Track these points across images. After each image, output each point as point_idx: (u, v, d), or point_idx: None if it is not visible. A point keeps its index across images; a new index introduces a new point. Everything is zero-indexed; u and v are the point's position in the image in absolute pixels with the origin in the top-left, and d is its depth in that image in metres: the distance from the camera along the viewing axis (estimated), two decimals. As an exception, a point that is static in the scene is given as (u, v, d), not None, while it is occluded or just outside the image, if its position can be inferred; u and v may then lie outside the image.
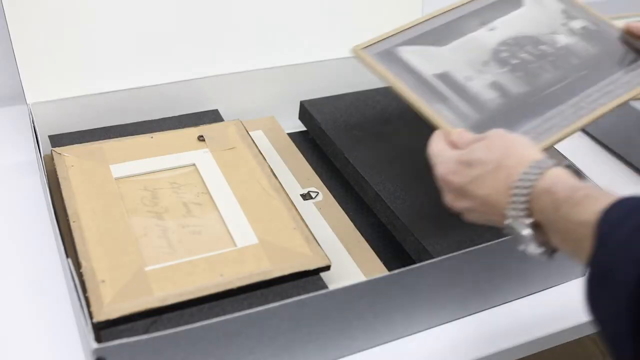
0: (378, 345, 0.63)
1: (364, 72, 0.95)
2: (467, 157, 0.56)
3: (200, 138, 0.76)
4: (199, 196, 0.69)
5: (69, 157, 0.70)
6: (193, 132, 0.77)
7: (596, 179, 0.72)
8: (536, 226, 0.52)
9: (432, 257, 0.64)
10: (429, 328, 0.65)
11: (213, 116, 0.82)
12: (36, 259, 0.68)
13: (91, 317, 0.53)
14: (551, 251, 0.52)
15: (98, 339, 0.53)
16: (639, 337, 0.42)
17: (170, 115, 0.81)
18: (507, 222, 0.53)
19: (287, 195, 0.69)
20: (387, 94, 0.92)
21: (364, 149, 0.79)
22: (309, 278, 0.62)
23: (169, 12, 0.82)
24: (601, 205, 0.46)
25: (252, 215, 0.66)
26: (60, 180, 0.67)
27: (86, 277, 0.57)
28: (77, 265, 0.59)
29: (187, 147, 0.75)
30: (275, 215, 0.67)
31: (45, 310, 0.63)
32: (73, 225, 0.62)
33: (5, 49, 0.78)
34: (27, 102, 0.77)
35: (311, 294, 0.55)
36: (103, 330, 0.54)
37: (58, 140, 0.74)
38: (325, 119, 0.83)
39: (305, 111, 0.86)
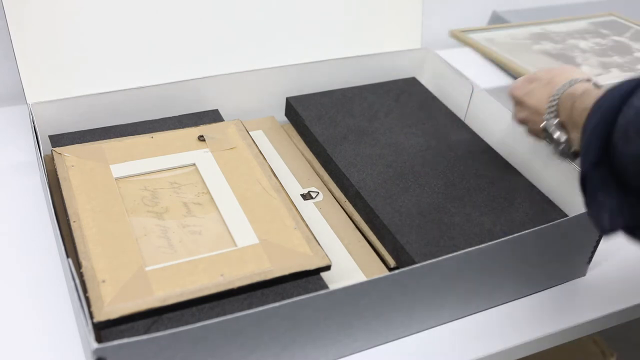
0: (378, 345, 0.63)
1: (363, 71, 0.95)
2: (530, 75, 0.73)
3: (201, 138, 0.76)
4: (199, 196, 0.69)
5: (69, 157, 0.70)
6: (193, 132, 0.77)
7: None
8: (563, 127, 0.66)
9: (410, 256, 0.64)
10: (429, 328, 0.65)
11: (213, 116, 0.82)
12: (36, 259, 0.68)
13: (91, 317, 0.54)
14: (574, 154, 0.67)
15: (98, 339, 0.53)
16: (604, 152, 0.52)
17: (170, 115, 0.81)
18: (542, 125, 0.68)
19: (287, 195, 0.69)
20: (375, 90, 0.91)
21: (348, 145, 0.79)
22: (309, 278, 0.62)
23: (169, 12, 0.82)
24: (602, 92, 0.55)
25: (253, 215, 0.66)
26: (60, 180, 0.67)
27: (86, 277, 0.57)
28: (78, 265, 0.59)
29: (187, 147, 0.75)
30: (276, 215, 0.67)
31: (45, 310, 0.63)
32: (73, 225, 0.62)
33: (5, 49, 0.79)
34: (27, 102, 0.77)
35: (312, 294, 0.55)
36: (103, 330, 0.54)
37: (58, 140, 0.74)
38: (309, 115, 0.83)
39: (291, 107, 0.85)
